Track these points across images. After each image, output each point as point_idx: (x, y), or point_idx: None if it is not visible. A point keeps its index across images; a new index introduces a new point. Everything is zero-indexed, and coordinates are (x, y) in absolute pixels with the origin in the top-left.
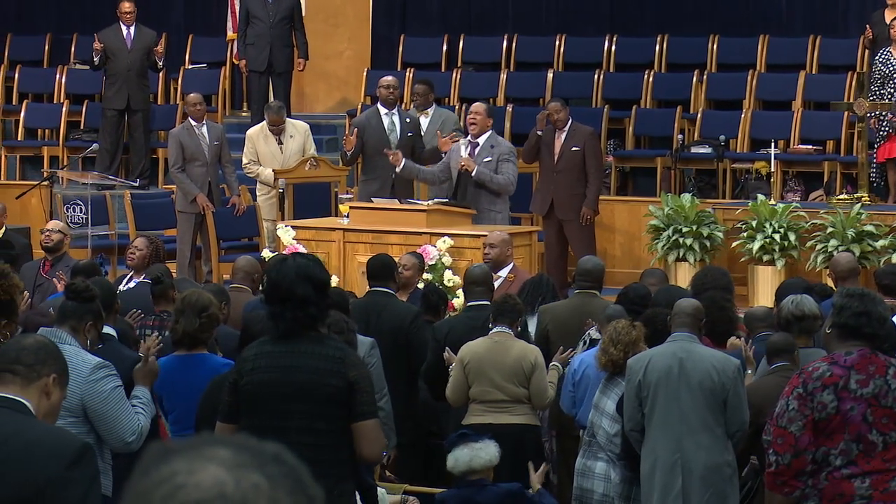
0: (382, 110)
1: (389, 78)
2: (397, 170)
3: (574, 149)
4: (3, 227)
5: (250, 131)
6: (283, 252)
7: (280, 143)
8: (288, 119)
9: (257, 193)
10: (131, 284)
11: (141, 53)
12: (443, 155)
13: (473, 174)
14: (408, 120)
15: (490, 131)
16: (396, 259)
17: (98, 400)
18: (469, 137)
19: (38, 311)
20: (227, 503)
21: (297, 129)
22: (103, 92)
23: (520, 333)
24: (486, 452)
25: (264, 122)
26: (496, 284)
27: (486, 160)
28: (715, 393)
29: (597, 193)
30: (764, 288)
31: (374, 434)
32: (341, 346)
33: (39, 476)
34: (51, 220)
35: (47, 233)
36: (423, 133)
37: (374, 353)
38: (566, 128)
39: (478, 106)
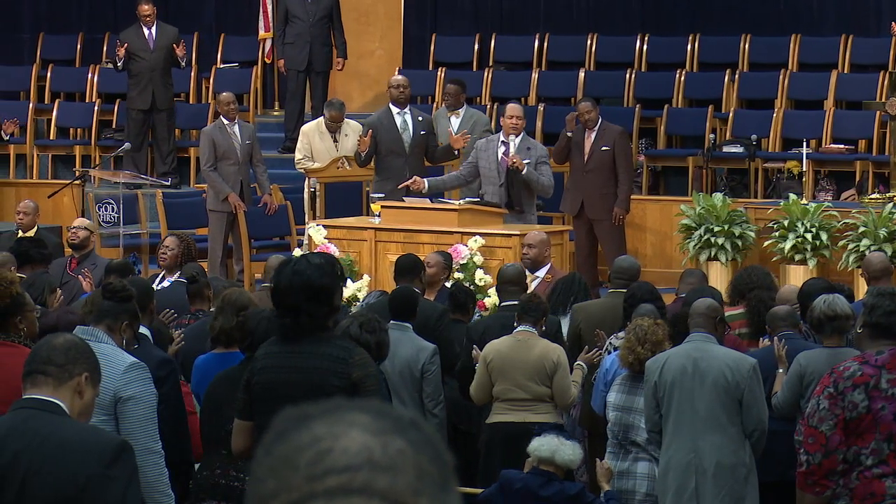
0: (394, 110)
1: (399, 77)
2: (422, 190)
3: (604, 148)
4: (36, 226)
5: (306, 127)
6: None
7: (335, 140)
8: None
9: (306, 189)
10: (165, 284)
11: (164, 52)
12: (456, 153)
13: (524, 172)
14: (420, 118)
15: (522, 132)
16: (423, 258)
17: (131, 397)
18: (502, 138)
19: (70, 308)
20: (375, 469)
21: (352, 129)
22: (127, 92)
23: (551, 334)
24: (571, 451)
25: (320, 119)
26: (534, 284)
27: (524, 161)
28: (729, 392)
29: (628, 193)
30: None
31: None
32: (347, 346)
33: (79, 475)
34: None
35: (74, 230)
36: (453, 133)
37: (434, 361)
38: (596, 127)
39: (518, 109)
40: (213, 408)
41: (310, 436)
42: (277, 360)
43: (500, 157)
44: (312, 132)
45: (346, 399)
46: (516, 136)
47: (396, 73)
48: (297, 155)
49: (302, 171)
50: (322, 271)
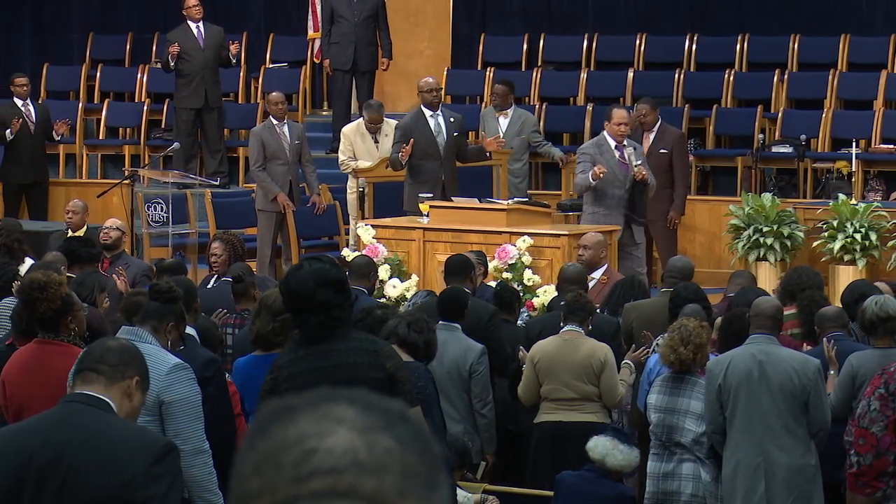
0: (427, 112)
1: (430, 80)
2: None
3: (662, 151)
4: (85, 226)
5: (346, 129)
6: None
7: (376, 141)
8: (384, 118)
9: (348, 190)
10: (211, 284)
11: (213, 51)
12: (487, 154)
13: (649, 182)
14: (451, 120)
15: None
16: None
17: (175, 399)
18: (612, 142)
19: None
20: (361, 470)
21: (392, 128)
22: (176, 92)
23: (609, 335)
24: (623, 456)
25: (360, 120)
26: (589, 286)
27: (637, 164)
28: (796, 395)
29: (684, 197)
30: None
31: None
32: (371, 338)
33: (125, 472)
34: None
35: (105, 230)
36: (501, 134)
37: (482, 361)
38: (655, 129)
39: (626, 116)
40: None
41: (295, 432)
42: (308, 362)
43: (618, 161)
44: (353, 133)
45: (331, 389)
46: (622, 140)
47: (445, 72)
48: (341, 156)
49: (346, 171)
50: (336, 267)
